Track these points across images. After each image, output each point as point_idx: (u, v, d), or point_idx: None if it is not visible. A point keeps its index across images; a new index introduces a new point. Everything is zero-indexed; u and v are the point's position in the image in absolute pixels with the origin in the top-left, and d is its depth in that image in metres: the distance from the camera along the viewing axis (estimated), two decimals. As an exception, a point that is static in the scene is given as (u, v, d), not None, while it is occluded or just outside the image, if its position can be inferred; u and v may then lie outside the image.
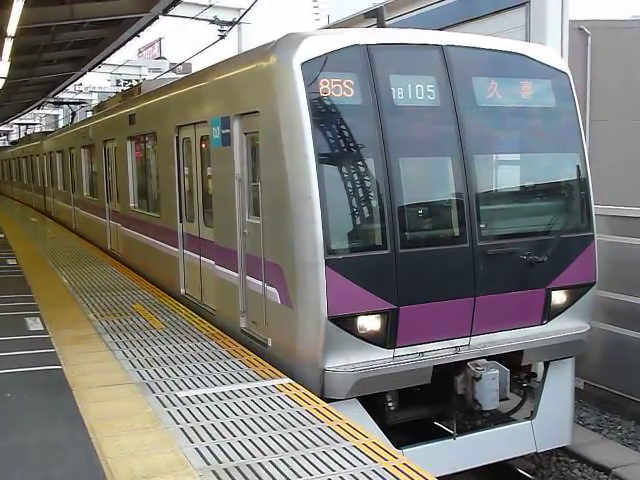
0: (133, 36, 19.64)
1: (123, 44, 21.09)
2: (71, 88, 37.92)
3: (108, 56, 23.40)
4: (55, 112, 59.92)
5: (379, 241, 6.87)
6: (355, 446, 5.17)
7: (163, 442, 5.29)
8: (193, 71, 10.63)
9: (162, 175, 11.40)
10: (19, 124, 54.57)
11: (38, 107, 42.90)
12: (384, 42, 7.18)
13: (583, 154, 8.00)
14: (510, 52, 7.78)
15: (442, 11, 12.55)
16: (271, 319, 7.35)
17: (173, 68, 32.58)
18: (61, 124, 50.67)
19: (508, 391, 7.39)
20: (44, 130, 43.78)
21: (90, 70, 26.27)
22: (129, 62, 41.18)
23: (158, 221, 11.61)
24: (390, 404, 7.08)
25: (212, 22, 19.14)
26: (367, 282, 6.70)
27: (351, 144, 6.94)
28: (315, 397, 6.25)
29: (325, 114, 6.81)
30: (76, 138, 19.85)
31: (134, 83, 30.93)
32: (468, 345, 7.26)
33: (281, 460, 4.97)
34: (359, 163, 6.95)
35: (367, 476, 4.72)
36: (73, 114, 31.11)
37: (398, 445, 6.66)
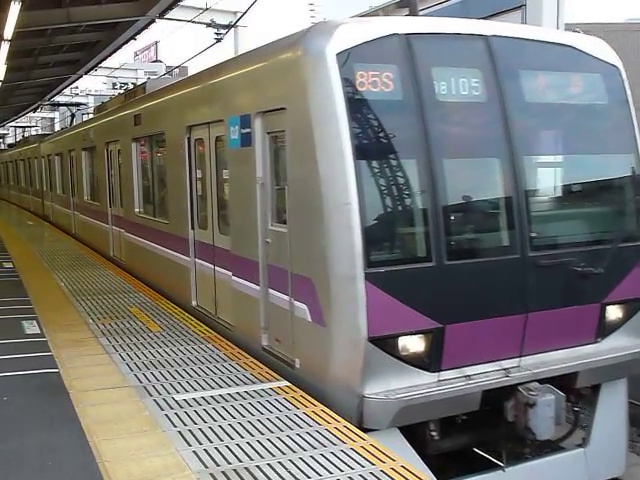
0: (129, 39, 19.66)
1: (119, 47, 21.10)
2: (67, 91, 37.82)
3: (104, 59, 23.42)
4: (51, 115, 59.87)
5: (423, 252, 6.20)
6: (353, 449, 5.17)
7: (160, 445, 5.28)
8: (204, 68, 9.78)
9: (171, 178, 10.73)
10: (15, 127, 54.51)
11: (34, 110, 42.88)
12: (425, 31, 6.52)
13: (638, 155, 7.30)
14: (558, 44, 7.09)
15: (438, 14, 12.60)
16: (300, 338, 6.69)
17: (169, 71, 32.54)
18: (57, 127, 50.61)
19: (563, 418, 6.68)
20: (41, 133, 43.70)
21: (86, 73, 26.27)
22: (125, 65, 41.10)
23: (166, 227, 10.89)
24: (433, 433, 6.33)
25: (208, 25, 19.12)
26: (410, 298, 6.03)
27: (391, 144, 6.28)
28: (312, 400, 6.24)
29: (362, 111, 6.16)
30: (76, 140, 19.23)
31: (130, 86, 30.90)
32: (518, 367, 6.58)
33: (279, 463, 4.96)
34: (400, 165, 6.27)
35: (365, 479, 4.72)
36: (72, 116, 30.81)
37: (443, 477, 6.18)
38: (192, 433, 5.50)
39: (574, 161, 7.47)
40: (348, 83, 6.05)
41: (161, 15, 16.46)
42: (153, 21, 17.03)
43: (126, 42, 20.14)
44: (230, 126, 7.95)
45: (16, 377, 7.00)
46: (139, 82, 34.68)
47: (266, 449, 5.20)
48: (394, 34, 6.28)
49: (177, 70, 32.98)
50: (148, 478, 4.77)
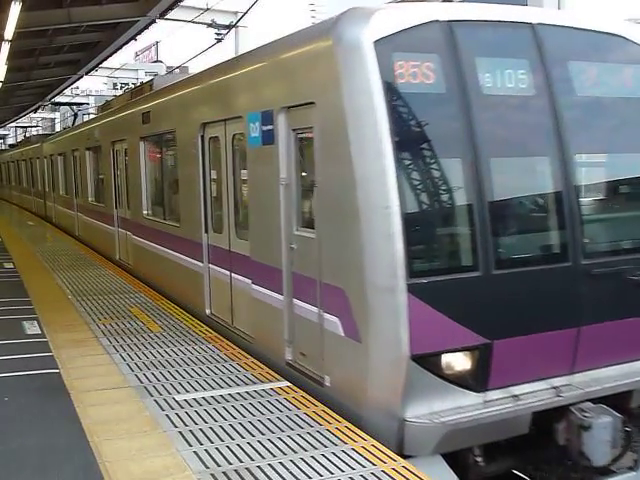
0: (130, 40, 19.67)
1: (120, 48, 21.13)
2: (68, 92, 37.86)
3: (105, 59, 23.44)
4: (52, 115, 59.91)
5: (469, 261, 5.69)
6: (354, 449, 5.16)
7: (161, 445, 5.27)
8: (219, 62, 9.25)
9: (183, 179, 10.07)
10: (17, 127, 54.48)
11: (35, 111, 42.90)
12: (467, 18, 5.99)
13: None
14: (609, 33, 6.50)
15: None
16: (330, 354, 6.14)
17: (170, 72, 32.56)
18: (58, 127, 50.61)
19: (619, 441, 6.01)
20: (42, 133, 43.55)
21: (87, 74, 26.30)
22: (126, 65, 41.17)
23: (177, 231, 10.32)
24: (478, 458, 5.75)
25: (209, 25, 19.14)
26: (455, 311, 5.51)
27: (434, 142, 5.76)
28: (313, 400, 6.24)
29: (402, 105, 5.65)
30: (80, 140, 18.69)
31: (131, 86, 30.90)
32: (569, 385, 5.99)
33: (280, 463, 4.96)
34: (443, 165, 5.76)
35: (366, 479, 4.72)
36: (75, 115, 30.45)
37: None
38: (193, 433, 5.49)
39: (628, 159, 6.85)
40: (386, 74, 5.52)
41: (162, 15, 16.47)
42: (154, 21, 17.04)
43: (127, 42, 20.15)
44: (250, 123, 7.43)
45: (17, 377, 7.00)
46: (139, 82, 34.70)
47: (267, 449, 5.19)
48: (435, 21, 5.76)
49: (177, 70, 33.00)
50: (149, 478, 4.76)
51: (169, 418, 5.82)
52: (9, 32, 13.27)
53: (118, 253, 14.63)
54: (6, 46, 14.66)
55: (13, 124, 55.43)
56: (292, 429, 5.58)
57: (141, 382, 6.76)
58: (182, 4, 16.74)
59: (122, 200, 14.12)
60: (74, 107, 31.53)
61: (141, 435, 5.48)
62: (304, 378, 6.58)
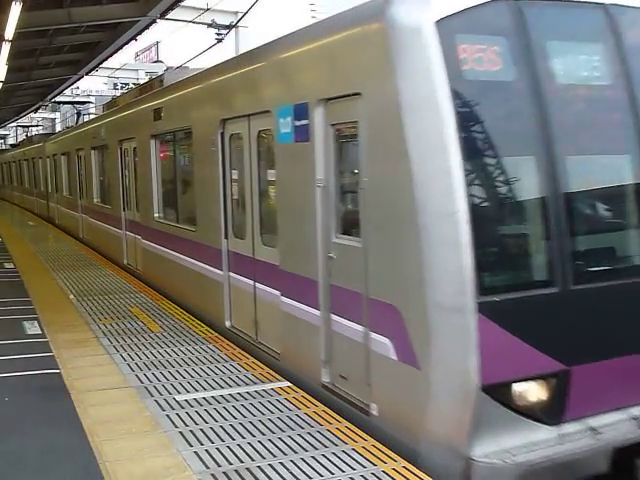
0: (130, 40, 19.67)
1: (120, 48, 21.13)
2: (68, 92, 37.87)
3: (105, 60, 23.43)
4: (52, 116, 59.93)
5: (545, 275, 5.04)
6: (354, 449, 5.16)
7: (162, 446, 5.27)
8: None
9: (199, 180, 9.36)
10: (19, 126, 54.42)
11: (35, 111, 42.90)
12: None
13: None
14: None
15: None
16: (379, 379, 5.45)
17: (178, 67, 32.55)
18: (58, 128, 50.60)
19: None
20: (43, 132, 43.42)
21: (87, 74, 26.29)
22: (126, 66, 41.19)
23: (193, 236, 9.61)
24: None
25: (209, 26, 19.13)
26: (530, 333, 4.85)
27: (504, 137, 5.12)
28: (314, 400, 6.23)
29: (468, 95, 4.99)
30: (85, 139, 18.00)
31: (132, 86, 30.89)
32: None
33: (280, 463, 4.95)
34: (516, 164, 5.13)
35: (366, 479, 4.72)
36: (78, 114, 30.06)
37: None
38: (193, 433, 5.49)
39: None
40: (450, 60, 4.86)
41: (162, 15, 16.46)
42: (154, 21, 17.04)
43: (127, 42, 20.16)
44: (280, 118, 6.74)
45: (17, 378, 7.00)
46: (140, 82, 34.67)
47: (267, 449, 5.19)
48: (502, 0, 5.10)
49: (178, 71, 33.02)
50: (149, 479, 4.76)
51: (169, 418, 5.82)
52: (9, 32, 13.26)
53: (126, 257, 14.03)
54: (7, 46, 14.65)
55: (15, 124, 55.44)
56: (292, 429, 5.58)
57: (141, 382, 6.77)
58: (182, 4, 16.73)
59: (130, 202, 13.51)
60: (77, 106, 31.25)
61: (142, 435, 5.48)
62: (344, 404, 5.92)
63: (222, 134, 8.36)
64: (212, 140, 8.52)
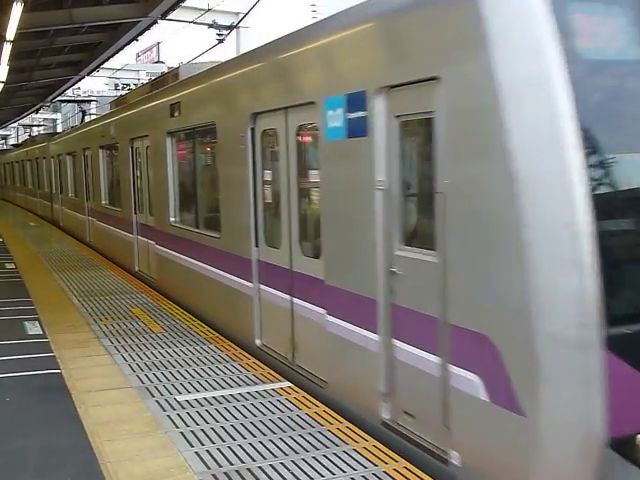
0: (131, 40, 19.68)
1: (121, 48, 21.13)
2: (69, 92, 37.89)
3: (106, 60, 23.44)
4: (53, 116, 59.99)
5: None
6: (355, 449, 5.16)
7: (163, 446, 5.27)
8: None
9: (225, 181, 8.48)
10: (23, 125, 54.39)
11: (36, 111, 42.90)
12: None
13: None
14: None
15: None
16: (462, 422, 4.58)
17: (172, 71, 32.56)
18: (60, 128, 50.62)
19: None
20: (45, 132, 43.28)
21: (88, 74, 26.30)
22: (127, 66, 41.18)
23: (217, 243, 8.76)
24: None
25: (210, 26, 19.16)
26: None
27: (627, 130, 4.28)
28: (315, 400, 6.23)
29: (586, 76, 4.14)
30: (92, 138, 17.13)
31: (132, 87, 30.85)
32: None
33: (281, 464, 4.95)
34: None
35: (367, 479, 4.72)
36: (83, 113, 29.32)
37: None
38: (194, 434, 5.49)
39: None
40: (565, 33, 3.99)
41: (163, 16, 16.47)
42: (155, 22, 17.04)
43: (128, 43, 20.16)
44: (328, 110, 5.88)
45: (18, 378, 7.00)
46: (141, 83, 34.66)
47: (268, 450, 5.19)
48: None
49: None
50: (150, 479, 4.76)
51: (171, 419, 5.82)
52: (11, 33, 13.27)
53: (137, 264, 13.13)
54: (8, 47, 14.66)
55: (16, 124, 55.53)
56: (293, 430, 5.57)
57: (142, 383, 6.77)
58: (183, 5, 16.75)
59: (143, 204, 12.58)
60: (82, 105, 30.64)
61: (143, 436, 5.47)
62: (410, 446, 5.09)
63: (253, 130, 7.52)
64: (240, 137, 7.69)
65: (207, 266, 9.19)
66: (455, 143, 4.46)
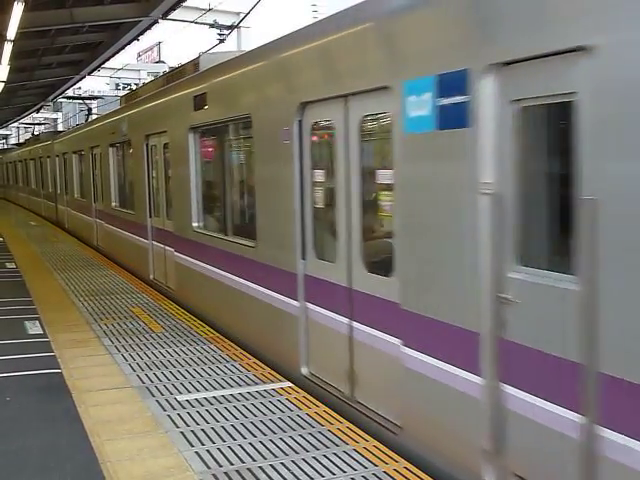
0: (132, 40, 19.69)
1: (122, 48, 21.14)
2: (70, 92, 37.89)
3: (107, 60, 23.45)
4: (54, 116, 60.04)
5: None
6: (356, 450, 5.16)
7: (163, 446, 5.27)
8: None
9: (262, 182, 7.43)
10: (26, 124, 54.29)
11: (37, 111, 42.92)
12: None
13: None
14: None
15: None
16: None
17: (175, 70, 32.56)
18: (60, 128, 50.61)
19: None
20: (50, 130, 42.95)
21: (89, 74, 26.31)
22: (128, 66, 41.23)
23: (252, 253, 7.68)
24: None
25: (211, 26, 19.18)
26: None
27: None
28: (315, 400, 6.22)
29: None
30: (101, 135, 16.23)
31: (133, 87, 30.80)
32: None
33: (281, 464, 4.95)
34: None
35: (368, 480, 4.72)
36: (89, 110, 28.64)
37: None
38: (194, 434, 5.49)
39: None
40: None
41: (164, 16, 16.47)
42: (156, 22, 17.05)
43: (129, 43, 20.18)
44: (409, 96, 4.81)
45: (18, 377, 7.00)
46: (142, 83, 34.66)
47: (269, 450, 5.18)
48: None
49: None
50: (151, 479, 4.76)
51: (171, 418, 5.82)
52: (12, 32, 13.28)
53: (152, 272, 12.14)
54: (9, 46, 14.67)
55: (16, 123, 55.56)
56: (294, 429, 5.57)
57: (143, 382, 6.76)
58: (185, 5, 16.76)
59: (159, 207, 11.65)
60: (88, 102, 30.00)
61: (143, 435, 5.47)
62: None
63: (300, 122, 6.51)
64: (284, 131, 6.70)
65: (238, 279, 8.16)
66: (616, 134, 3.40)
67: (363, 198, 5.74)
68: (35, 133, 41.24)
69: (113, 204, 15.31)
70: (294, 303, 6.78)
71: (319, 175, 6.44)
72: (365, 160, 5.75)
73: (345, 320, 5.99)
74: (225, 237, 8.77)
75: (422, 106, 4.73)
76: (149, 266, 12.23)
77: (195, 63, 10.48)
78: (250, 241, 7.81)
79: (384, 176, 5.47)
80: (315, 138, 6.52)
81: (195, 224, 9.78)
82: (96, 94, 47.79)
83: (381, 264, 5.56)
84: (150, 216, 12.12)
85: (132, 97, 14.92)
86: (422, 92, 4.72)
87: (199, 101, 9.21)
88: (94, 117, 25.25)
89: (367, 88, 5.43)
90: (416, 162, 4.92)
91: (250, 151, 7.98)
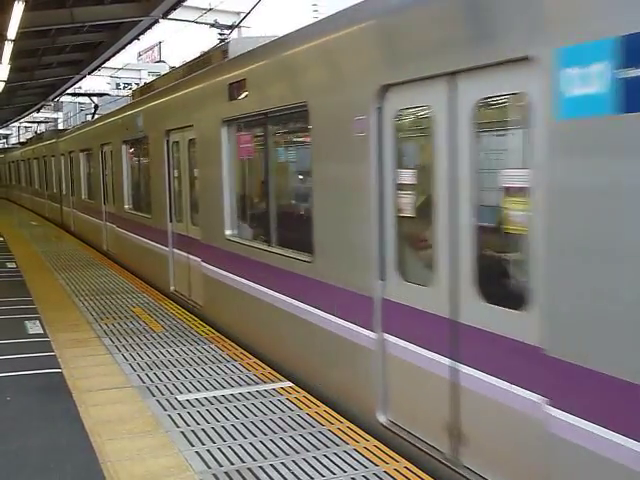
0: (133, 40, 19.71)
1: (123, 48, 21.16)
2: (71, 91, 37.88)
3: (107, 60, 23.46)
4: (54, 115, 60.03)
5: None
6: (356, 449, 5.15)
7: (163, 446, 5.26)
8: None
9: (322, 183, 6.21)
10: (28, 122, 54.11)
11: (38, 110, 42.92)
12: None
13: None
14: None
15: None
16: None
17: (177, 69, 32.54)
18: (61, 127, 50.56)
19: None
20: (54, 129, 42.57)
21: (89, 74, 26.31)
22: (128, 65, 41.24)
23: (308, 269, 6.41)
24: None
25: (212, 26, 19.15)
26: None
27: None
28: (316, 400, 6.21)
29: None
30: (113, 131, 14.96)
31: (134, 87, 30.72)
32: None
33: (282, 463, 4.94)
34: None
35: (368, 480, 4.71)
36: (95, 107, 27.16)
37: None
38: (195, 434, 5.48)
39: None
40: None
41: (164, 15, 16.47)
42: (157, 21, 17.05)
43: (129, 42, 20.19)
44: (567, 67, 3.57)
45: (19, 377, 6.99)
46: (142, 82, 34.61)
47: (269, 450, 5.18)
48: None
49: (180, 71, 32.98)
50: (151, 478, 4.75)
51: (171, 418, 5.81)
52: (12, 32, 13.29)
53: (173, 283, 10.95)
54: (9, 46, 14.68)
55: (16, 123, 55.57)
56: (294, 429, 5.56)
57: (143, 382, 6.76)
58: (185, 4, 16.77)
59: (182, 211, 10.39)
60: (95, 99, 28.96)
61: (143, 435, 5.46)
62: None
63: (380, 110, 5.26)
64: (358, 122, 5.47)
65: (290, 299, 6.87)
66: None
67: (479, 206, 4.47)
68: (37, 132, 40.67)
69: (126, 206, 14.04)
70: (368, 334, 5.52)
71: (407, 176, 5.20)
72: (479, 157, 4.52)
73: (445, 361, 4.72)
74: (270, 249, 7.43)
75: (591, 81, 3.51)
76: (169, 277, 10.93)
77: (223, 50, 9.38)
78: (305, 255, 6.53)
79: (514, 177, 4.30)
80: (402, 129, 5.37)
81: (228, 232, 8.47)
82: (97, 94, 47.76)
83: (506, 293, 4.49)
84: (171, 221, 10.82)
85: (147, 90, 13.53)
86: (591, 62, 3.49)
87: (236, 89, 7.89)
88: (96, 117, 24.83)
89: (488, 62, 4.15)
90: (580, 158, 3.61)
91: (309, 147, 6.55)
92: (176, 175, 10.61)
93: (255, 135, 8.24)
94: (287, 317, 6.96)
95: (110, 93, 39.25)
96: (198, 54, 11.97)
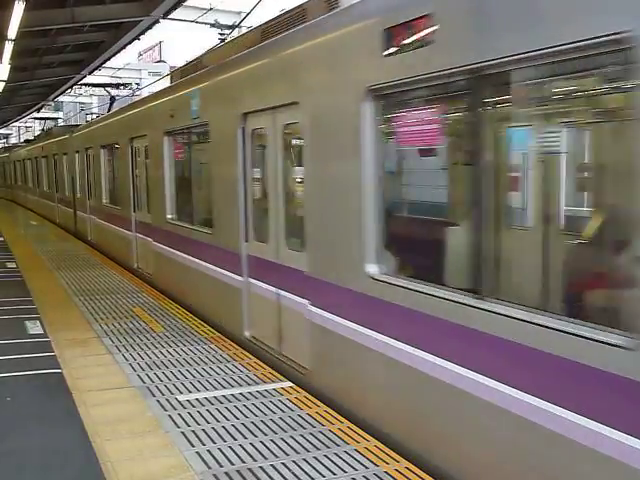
0: (133, 39, 19.66)
1: (123, 47, 21.11)
2: (71, 91, 37.84)
3: (108, 59, 23.44)
4: (54, 115, 59.99)
5: None
6: (357, 450, 5.15)
7: (164, 446, 5.26)
8: None
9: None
10: (35, 118, 53.82)
11: (38, 110, 42.88)
12: None
13: None
14: None
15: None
16: None
17: (180, 68, 32.51)
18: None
19: None
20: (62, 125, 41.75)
21: (90, 73, 26.28)
22: (129, 65, 41.17)
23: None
24: None
25: (213, 25, 19.17)
26: None
27: None
28: (316, 400, 6.22)
29: None
30: (150, 120, 11.92)
31: (134, 87, 30.61)
32: None
33: (282, 464, 4.94)
34: None
35: (369, 480, 4.70)
36: (112, 99, 24.31)
37: None
38: (195, 434, 5.48)
39: None
40: None
41: (165, 15, 16.46)
42: (157, 21, 17.03)
43: (130, 42, 20.14)
44: None
45: (19, 377, 6.99)
46: (143, 82, 34.55)
47: (269, 450, 5.18)
48: None
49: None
50: (151, 479, 4.75)
51: (172, 418, 5.81)
52: (12, 31, 13.28)
53: (248, 327, 8.08)
54: (10, 45, 14.67)
55: (17, 123, 55.57)
56: (295, 430, 5.56)
57: (144, 382, 6.76)
58: (186, 4, 16.72)
59: (266, 226, 7.45)
60: (110, 90, 26.48)
61: (143, 435, 5.46)
62: None
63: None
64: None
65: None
66: None
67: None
68: (44, 129, 39.33)
69: (168, 217, 10.99)
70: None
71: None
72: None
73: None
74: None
75: None
76: (243, 319, 8.12)
77: (303, 8, 7.09)
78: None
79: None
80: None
81: (370, 268, 5.46)
82: (97, 94, 47.68)
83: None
84: (246, 240, 7.91)
85: (196, 68, 10.61)
86: None
87: (397, 36, 4.86)
88: (96, 117, 24.22)
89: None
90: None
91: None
92: (258, 176, 7.71)
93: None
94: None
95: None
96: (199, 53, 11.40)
